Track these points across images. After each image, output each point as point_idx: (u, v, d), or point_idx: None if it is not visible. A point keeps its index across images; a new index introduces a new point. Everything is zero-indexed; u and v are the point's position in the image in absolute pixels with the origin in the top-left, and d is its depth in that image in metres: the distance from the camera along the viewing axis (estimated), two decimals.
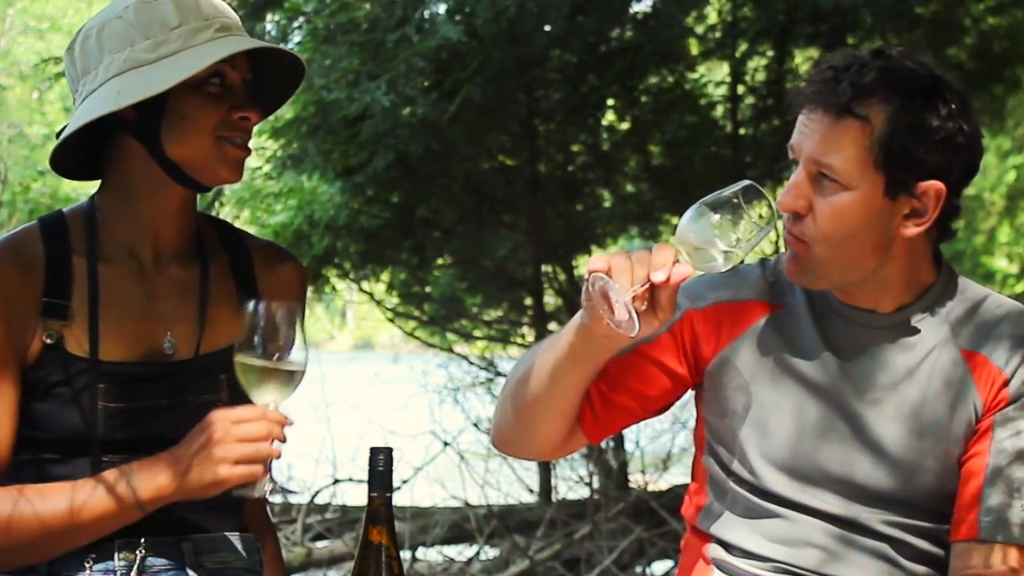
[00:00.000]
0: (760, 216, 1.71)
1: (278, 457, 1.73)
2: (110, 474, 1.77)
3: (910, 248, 1.88)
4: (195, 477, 1.72)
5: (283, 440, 1.73)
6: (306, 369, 1.72)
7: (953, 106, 1.83)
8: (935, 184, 1.83)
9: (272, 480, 1.73)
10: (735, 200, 1.71)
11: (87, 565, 1.82)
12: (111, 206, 1.91)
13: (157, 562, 1.86)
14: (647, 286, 1.68)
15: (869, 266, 1.86)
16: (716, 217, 1.70)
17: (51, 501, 1.76)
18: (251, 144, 1.88)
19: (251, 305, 1.71)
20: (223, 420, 1.71)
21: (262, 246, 2.04)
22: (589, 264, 1.69)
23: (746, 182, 1.74)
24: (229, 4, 1.91)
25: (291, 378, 1.71)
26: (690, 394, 2.07)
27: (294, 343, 1.70)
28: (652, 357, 1.98)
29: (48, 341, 1.83)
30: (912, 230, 1.85)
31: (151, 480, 1.75)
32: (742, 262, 1.77)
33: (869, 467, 1.88)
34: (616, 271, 1.68)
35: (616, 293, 1.67)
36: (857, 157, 1.81)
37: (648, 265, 1.68)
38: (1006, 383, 1.86)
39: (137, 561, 1.84)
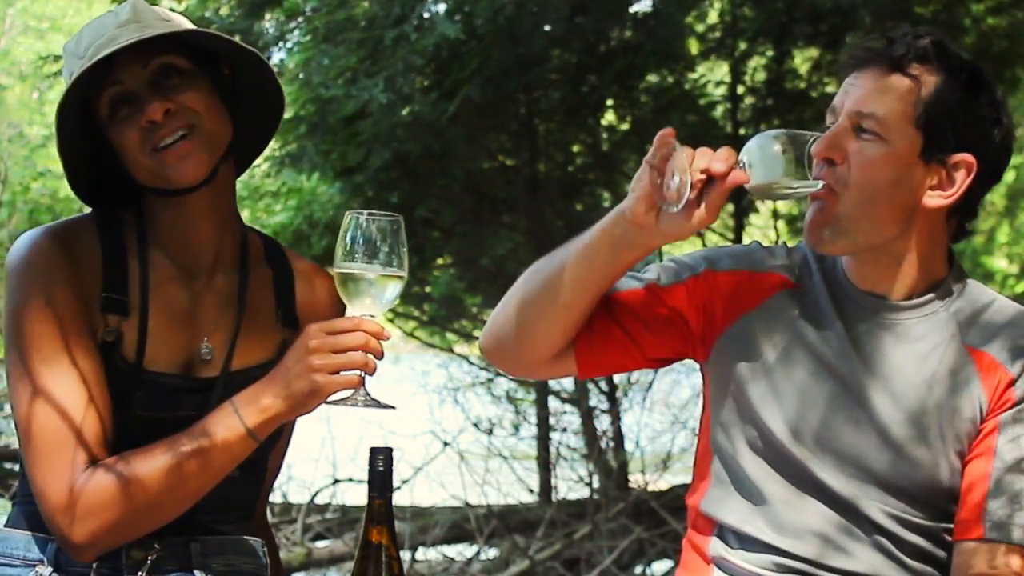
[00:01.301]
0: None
1: (373, 370, 1.72)
2: (215, 414, 1.76)
3: (930, 229, 1.91)
4: (296, 389, 1.71)
5: (379, 353, 1.71)
6: (405, 280, 1.71)
7: (996, 97, 1.89)
8: (968, 157, 1.87)
9: (366, 392, 1.72)
10: (808, 140, 1.76)
11: (93, 564, 1.82)
12: (149, 213, 1.91)
13: (166, 563, 1.86)
14: (704, 177, 1.71)
15: (889, 232, 1.88)
16: (788, 152, 1.74)
17: (159, 458, 1.74)
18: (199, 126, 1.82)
19: (353, 215, 1.70)
20: (318, 330, 1.71)
21: (306, 270, 2.03)
22: (661, 132, 1.71)
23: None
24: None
25: (388, 288, 1.71)
26: (692, 392, 2.07)
27: (393, 252, 1.70)
28: (662, 298, 1.98)
29: (108, 339, 1.82)
30: (937, 201, 1.88)
31: (255, 404, 1.74)
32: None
33: (871, 448, 1.89)
34: (680, 149, 1.70)
35: (676, 161, 1.69)
36: (900, 111, 1.85)
37: (711, 158, 1.70)
38: (1012, 383, 1.87)
39: (149, 562, 1.83)
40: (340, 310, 1.99)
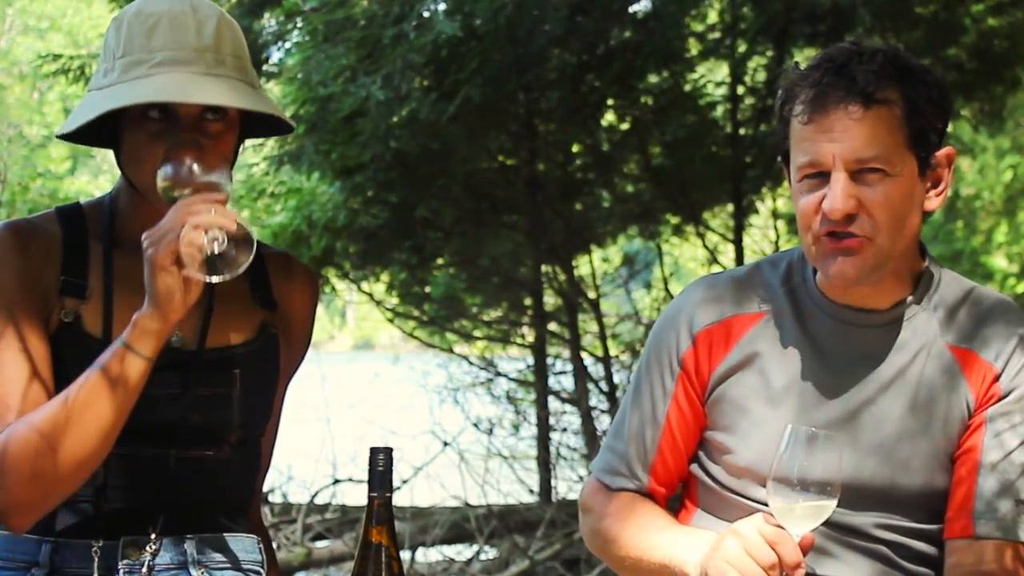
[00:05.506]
0: None
1: (224, 201, 1.71)
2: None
3: (919, 227, 1.90)
4: (147, 282, 1.71)
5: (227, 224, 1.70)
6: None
7: (932, 74, 1.87)
8: (946, 150, 1.88)
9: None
10: None
11: (94, 555, 1.83)
12: (126, 195, 1.92)
13: (161, 560, 1.86)
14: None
15: (905, 247, 1.87)
16: None
17: (53, 403, 1.76)
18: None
19: None
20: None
21: (277, 255, 2.03)
22: None
23: None
24: (227, 1, 1.87)
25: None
26: None
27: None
28: (684, 418, 1.98)
29: (66, 320, 1.84)
30: (935, 201, 1.88)
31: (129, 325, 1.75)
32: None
33: (865, 469, 1.87)
34: None
35: None
36: (895, 141, 1.82)
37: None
38: (996, 378, 1.86)
39: (146, 560, 1.84)
40: (315, 296, 2.04)
